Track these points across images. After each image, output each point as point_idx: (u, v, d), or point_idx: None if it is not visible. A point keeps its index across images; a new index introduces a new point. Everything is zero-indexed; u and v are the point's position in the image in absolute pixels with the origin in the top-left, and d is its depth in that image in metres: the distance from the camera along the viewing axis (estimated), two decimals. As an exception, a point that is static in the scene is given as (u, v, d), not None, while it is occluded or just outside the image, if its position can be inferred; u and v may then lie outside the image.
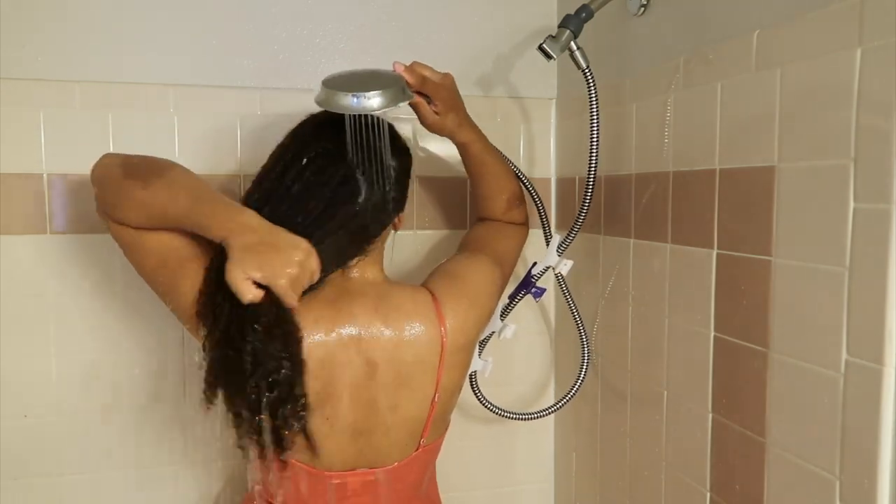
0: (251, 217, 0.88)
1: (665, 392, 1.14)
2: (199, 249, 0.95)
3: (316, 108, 1.01)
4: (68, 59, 1.26)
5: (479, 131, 1.16)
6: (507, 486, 1.59)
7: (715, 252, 1.01)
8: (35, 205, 1.27)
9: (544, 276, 1.32)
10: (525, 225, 1.26)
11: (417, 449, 1.05)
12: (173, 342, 1.35)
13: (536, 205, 1.35)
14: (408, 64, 1.04)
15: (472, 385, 1.37)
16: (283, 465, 1.00)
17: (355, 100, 0.96)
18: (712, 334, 1.02)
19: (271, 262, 0.84)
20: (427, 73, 1.04)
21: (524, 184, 1.31)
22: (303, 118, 1.04)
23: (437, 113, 1.08)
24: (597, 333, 1.37)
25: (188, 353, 1.36)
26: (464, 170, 1.50)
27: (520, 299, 1.33)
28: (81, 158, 1.27)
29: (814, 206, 0.83)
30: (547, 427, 1.59)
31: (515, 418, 1.37)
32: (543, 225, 1.36)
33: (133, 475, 1.36)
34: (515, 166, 1.31)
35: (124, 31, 1.28)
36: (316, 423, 0.97)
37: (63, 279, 1.29)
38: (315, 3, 1.36)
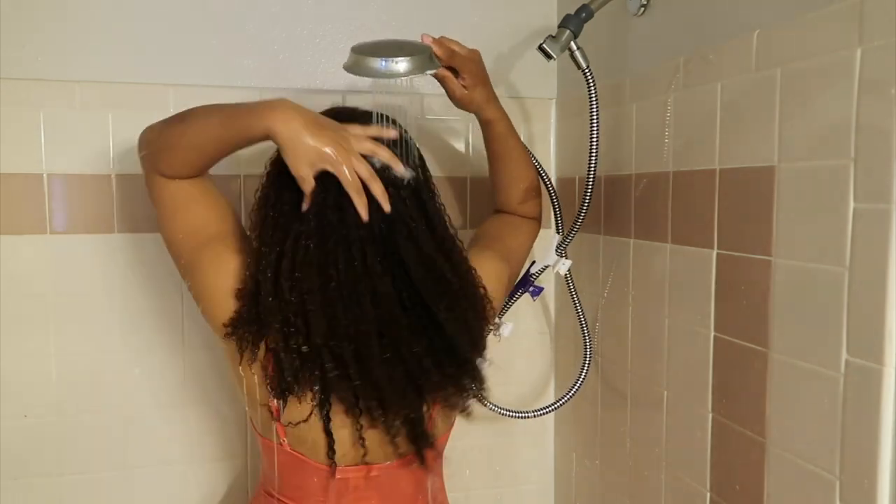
0: (286, 104, 0.90)
1: (665, 392, 1.14)
2: (228, 230, 1.00)
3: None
4: (68, 59, 1.26)
5: (504, 111, 1.15)
6: (507, 486, 1.59)
7: (715, 252, 1.01)
8: (35, 205, 1.27)
9: (543, 275, 1.32)
10: (538, 220, 1.24)
11: None
12: (173, 342, 1.35)
13: (552, 200, 1.34)
14: (436, 37, 1.03)
15: None
16: (290, 458, 1.00)
17: (383, 63, 0.96)
18: (712, 334, 1.02)
19: (331, 139, 0.89)
20: (455, 47, 1.04)
21: (542, 177, 1.29)
22: None
23: (464, 87, 1.07)
24: (597, 333, 1.37)
25: (188, 352, 1.36)
26: (463, 170, 1.50)
27: (517, 298, 1.33)
28: (81, 158, 1.28)
29: (814, 206, 0.83)
30: (547, 427, 1.59)
31: (516, 416, 1.37)
32: (557, 222, 1.35)
33: (133, 475, 1.36)
34: (534, 157, 1.28)
35: (124, 31, 1.28)
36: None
37: (63, 279, 1.29)
38: (315, 3, 1.36)
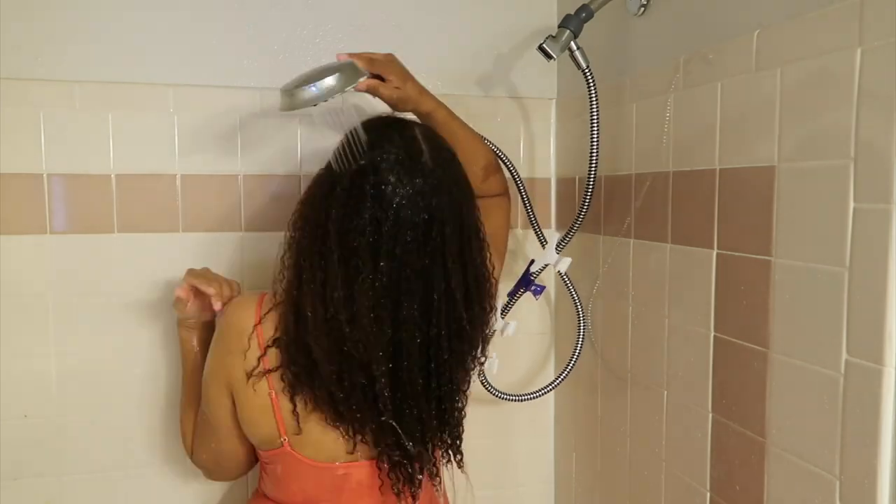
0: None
1: (665, 392, 1.14)
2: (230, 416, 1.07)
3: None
4: (68, 59, 1.26)
5: (439, 100, 1.15)
6: (507, 486, 1.58)
7: (715, 252, 1.01)
8: (35, 205, 1.27)
9: (544, 274, 1.32)
10: (506, 195, 1.24)
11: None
12: (173, 342, 1.35)
13: (523, 200, 1.35)
14: (349, 54, 1.06)
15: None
16: (288, 460, 1.01)
17: (314, 89, 0.98)
18: (712, 334, 1.02)
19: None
20: (372, 55, 1.06)
21: (513, 175, 1.30)
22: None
23: (397, 88, 1.08)
24: (596, 333, 1.37)
25: (188, 353, 1.36)
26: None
27: (519, 297, 1.33)
28: (81, 158, 1.28)
29: (814, 206, 0.83)
30: (547, 427, 1.59)
31: (514, 399, 1.37)
32: (532, 223, 1.36)
33: (133, 475, 1.36)
34: (494, 145, 1.29)
35: (124, 31, 1.28)
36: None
37: (63, 279, 1.29)
38: (315, 3, 1.36)
